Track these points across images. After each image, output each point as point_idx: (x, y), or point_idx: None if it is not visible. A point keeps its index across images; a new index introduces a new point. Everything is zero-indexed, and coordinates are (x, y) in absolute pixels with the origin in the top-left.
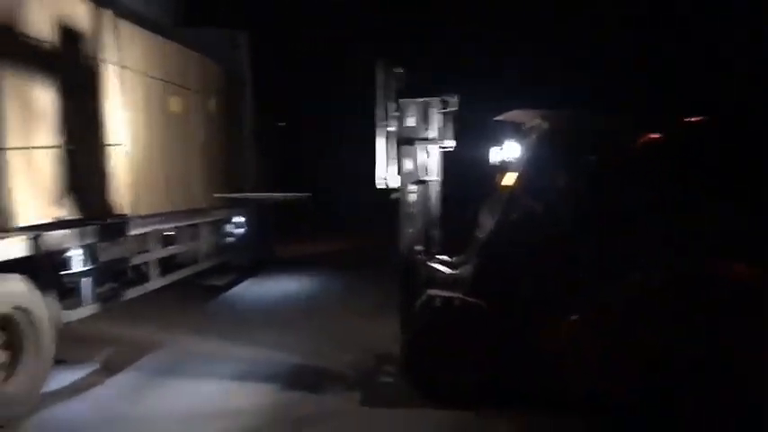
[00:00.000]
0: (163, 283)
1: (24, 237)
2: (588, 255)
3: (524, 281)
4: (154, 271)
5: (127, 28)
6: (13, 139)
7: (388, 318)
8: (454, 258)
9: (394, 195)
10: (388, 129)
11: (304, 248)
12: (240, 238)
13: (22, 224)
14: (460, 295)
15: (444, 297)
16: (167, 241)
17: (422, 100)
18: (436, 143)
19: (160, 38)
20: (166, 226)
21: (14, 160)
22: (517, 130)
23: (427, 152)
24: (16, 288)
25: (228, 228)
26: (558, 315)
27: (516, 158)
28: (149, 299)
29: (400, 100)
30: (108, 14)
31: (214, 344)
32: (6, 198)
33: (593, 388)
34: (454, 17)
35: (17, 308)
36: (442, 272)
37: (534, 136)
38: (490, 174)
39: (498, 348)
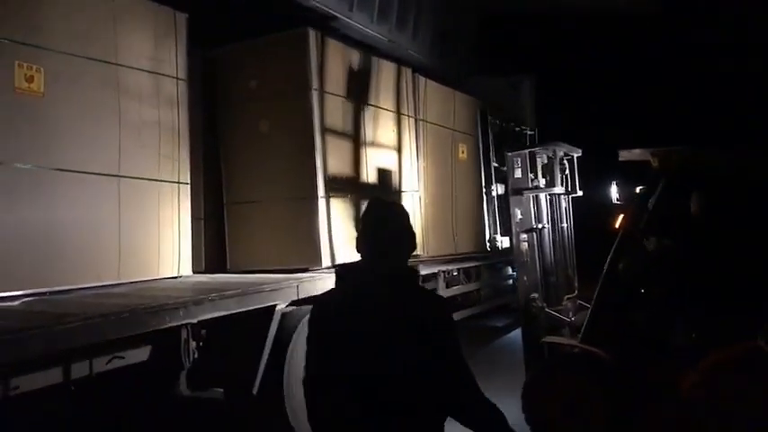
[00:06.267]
0: None
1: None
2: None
3: (642, 325)
4: None
5: (423, 82)
6: (329, 189)
7: None
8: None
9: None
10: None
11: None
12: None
13: (335, 263)
14: (575, 342)
15: (558, 344)
16: (452, 282)
17: (527, 151)
18: (545, 191)
19: (449, 89)
20: (451, 267)
21: (334, 206)
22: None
23: (537, 200)
24: None
25: (509, 271)
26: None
27: (628, 198)
28: None
29: (507, 153)
30: (408, 72)
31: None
32: (322, 240)
33: None
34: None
35: None
36: (563, 318)
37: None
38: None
39: (617, 398)
